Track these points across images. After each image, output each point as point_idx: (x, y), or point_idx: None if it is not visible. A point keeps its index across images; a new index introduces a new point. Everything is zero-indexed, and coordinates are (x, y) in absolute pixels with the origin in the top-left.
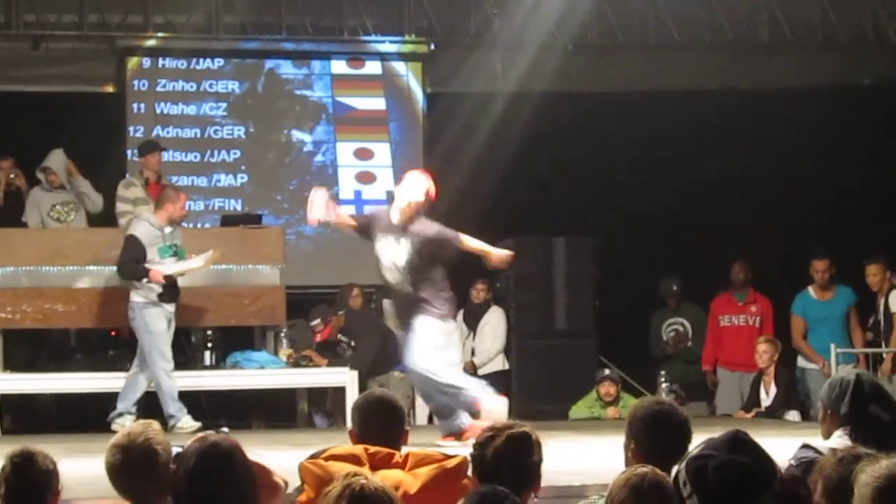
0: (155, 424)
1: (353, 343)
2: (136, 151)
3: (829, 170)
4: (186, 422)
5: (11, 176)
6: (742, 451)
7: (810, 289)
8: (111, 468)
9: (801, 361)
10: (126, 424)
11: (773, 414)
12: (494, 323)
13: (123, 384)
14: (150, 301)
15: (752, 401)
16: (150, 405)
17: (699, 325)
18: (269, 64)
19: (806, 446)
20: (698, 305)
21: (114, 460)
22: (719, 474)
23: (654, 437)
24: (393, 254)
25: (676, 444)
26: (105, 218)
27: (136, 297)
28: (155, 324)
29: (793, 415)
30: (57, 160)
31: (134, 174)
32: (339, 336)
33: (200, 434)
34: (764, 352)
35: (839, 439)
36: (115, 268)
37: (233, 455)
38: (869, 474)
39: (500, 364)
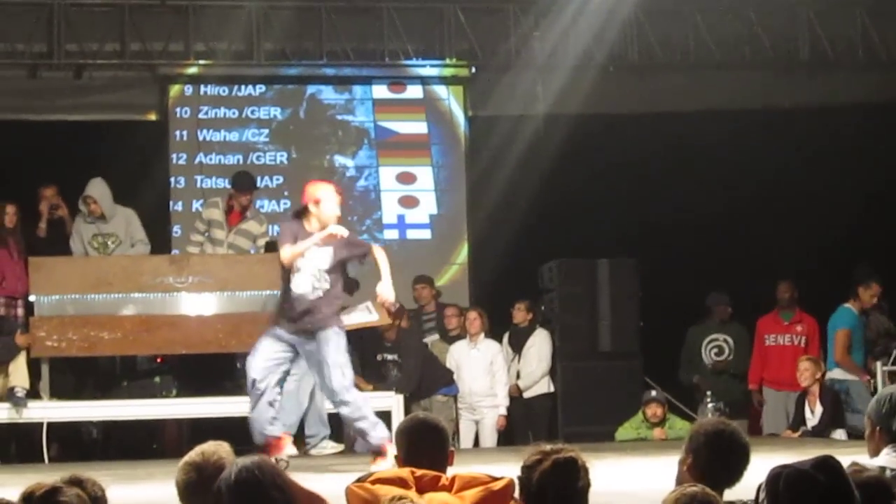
0: (226, 445)
1: (399, 362)
2: (231, 180)
3: (873, 187)
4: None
5: (54, 205)
6: (822, 470)
7: (851, 306)
8: (184, 486)
9: (837, 373)
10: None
11: (821, 433)
12: (539, 345)
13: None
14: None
15: (798, 420)
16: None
17: (741, 343)
18: (311, 89)
19: (855, 465)
20: (742, 324)
21: (187, 478)
22: (790, 485)
23: (713, 456)
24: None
25: (733, 465)
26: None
27: None
28: None
29: (839, 433)
30: (97, 189)
31: (222, 197)
32: (385, 356)
33: (240, 458)
34: (805, 370)
35: (888, 457)
36: (159, 295)
37: (273, 481)
38: None
39: (545, 387)
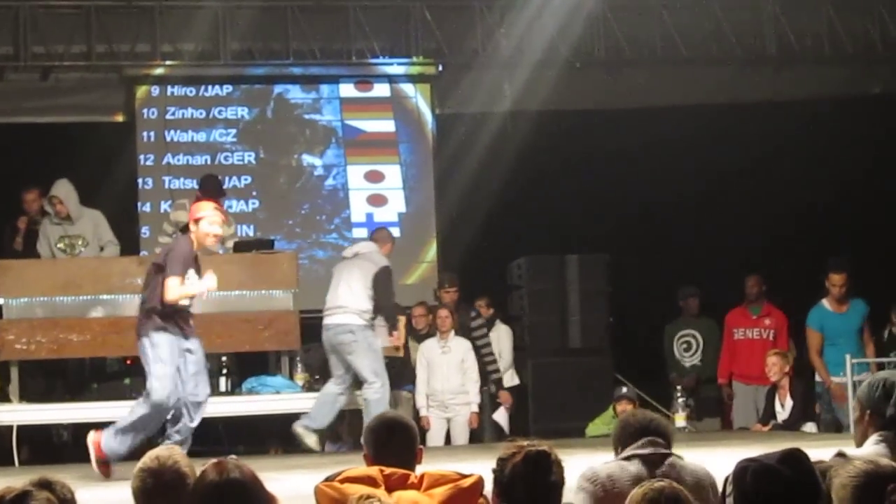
0: (178, 449)
1: None
2: (199, 183)
3: (840, 181)
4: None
5: (34, 220)
6: (789, 464)
7: (825, 302)
8: (141, 492)
9: (818, 376)
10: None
11: (791, 427)
12: (499, 340)
13: (318, 400)
14: (368, 324)
15: (768, 414)
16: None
17: (712, 339)
18: (278, 89)
19: (840, 454)
20: (712, 318)
21: (143, 485)
22: (757, 480)
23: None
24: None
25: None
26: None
27: (357, 320)
28: (376, 343)
29: (809, 426)
30: (62, 189)
31: (190, 199)
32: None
33: (216, 461)
34: (773, 364)
35: (875, 446)
36: (128, 296)
37: (252, 488)
38: (844, 475)
39: (510, 379)
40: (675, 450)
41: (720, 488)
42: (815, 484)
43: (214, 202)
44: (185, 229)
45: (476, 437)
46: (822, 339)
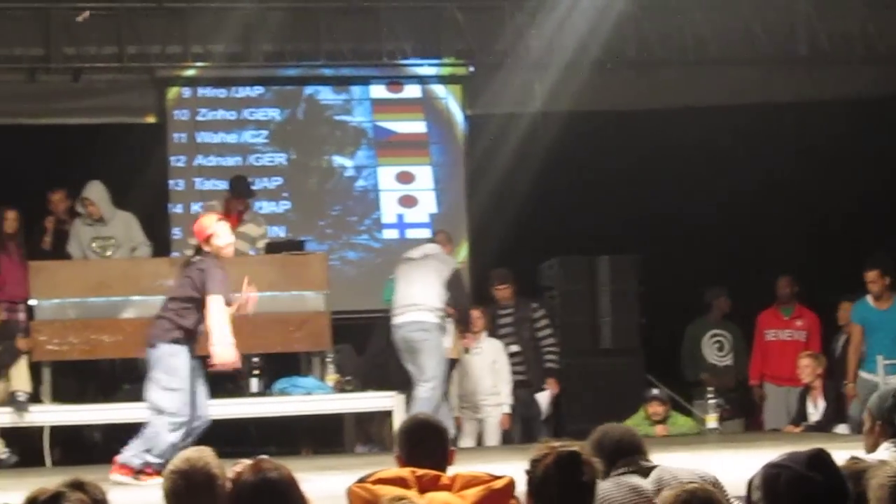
0: (209, 450)
1: None
2: (229, 184)
3: (873, 181)
4: None
5: (62, 220)
6: (819, 469)
7: (868, 297)
8: (172, 494)
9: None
10: None
11: (823, 428)
12: None
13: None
14: (441, 323)
15: (800, 415)
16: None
17: (739, 341)
18: (309, 90)
19: (854, 459)
20: (739, 321)
21: (174, 486)
22: (791, 488)
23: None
24: None
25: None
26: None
27: (431, 318)
28: (444, 344)
29: (842, 428)
30: (95, 191)
31: (220, 201)
32: None
33: (254, 460)
34: (805, 366)
35: (887, 451)
36: (160, 298)
37: (290, 488)
38: (882, 476)
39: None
40: (711, 451)
41: (728, 490)
42: (844, 486)
43: (242, 201)
44: (199, 251)
45: (508, 439)
46: (861, 333)
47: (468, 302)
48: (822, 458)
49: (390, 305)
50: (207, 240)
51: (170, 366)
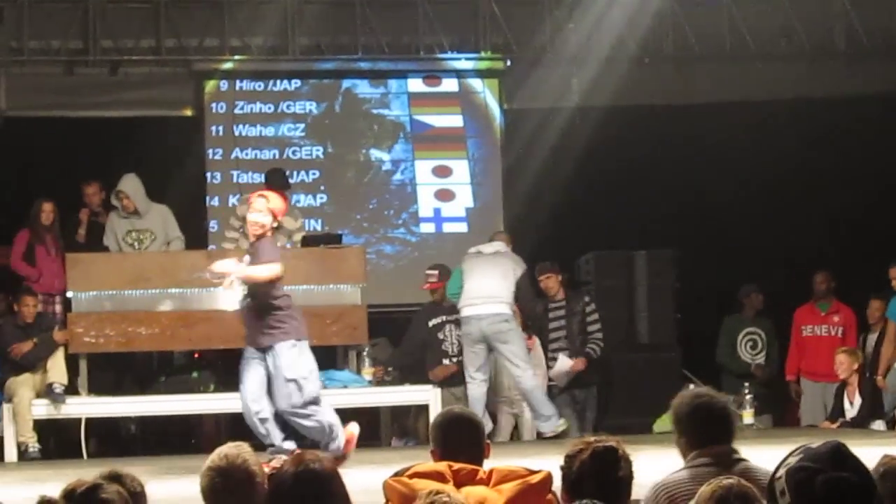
0: (246, 446)
1: None
2: (265, 177)
3: None
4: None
5: (95, 212)
6: (847, 466)
7: None
8: (210, 491)
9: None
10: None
11: (860, 424)
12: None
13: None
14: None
15: (837, 411)
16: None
17: (772, 338)
18: (346, 84)
19: (889, 457)
20: (779, 315)
21: (212, 484)
22: (830, 492)
23: (699, 428)
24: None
25: (722, 430)
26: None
27: (509, 310)
28: None
29: (878, 424)
30: (130, 184)
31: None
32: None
33: (297, 452)
34: (841, 363)
35: None
36: (196, 290)
37: (331, 480)
38: None
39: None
40: (749, 447)
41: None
42: (871, 479)
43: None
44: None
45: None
46: None
47: (535, 304)
48: (844, 453)
49: (458, 295)
50: (276, 217)
51: None
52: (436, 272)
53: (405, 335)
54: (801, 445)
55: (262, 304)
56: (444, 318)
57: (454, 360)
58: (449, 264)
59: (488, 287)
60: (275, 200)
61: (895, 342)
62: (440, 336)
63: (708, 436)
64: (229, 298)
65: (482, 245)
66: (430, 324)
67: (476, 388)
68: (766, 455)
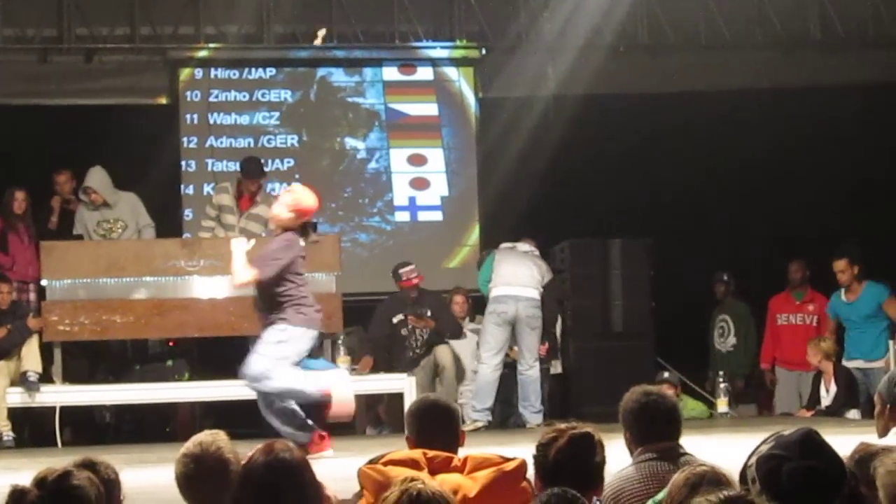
0: (222, 434)
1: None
2: (240, 166)
3: (885, 166)
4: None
5: (67, 199)
6: (815, 454)
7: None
8: (183, 478)
9: (861, 362)
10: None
11: (835, 413)
12: None
13: (484, 388)
14: None
15: (813, 399)
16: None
17: (742, 322)
18: (321, 72)
19: (864, 444)
20: (755, 305)
21: (186, 470)
22: (794, 480)
23: (646, 426)
24: None
25: (668, 429)
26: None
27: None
28: None
29: (853, 413)
30: (96, 178)
31: (232, 182)
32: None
33: (266, 443)
34: (813, 354)
35: None
36: (171, 278)
37: (301, 469)
38: (890, 462)
39: (554, 368)
40: (722, 435)
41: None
42: (840, 466)
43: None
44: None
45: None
46: (836, 327)
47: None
48: (814, 440)
49: (487, 283)
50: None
51: None
52: (413, 266)
53: (368, 328)
54: (774, 433)
55: (260, 293)
56: (406, 314)
57: (418, 352)
58: (423, 253)
59: (524, 275)
60: (302, 198)
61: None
62: (403, 332)
63: (654, 433)
64: (203, 287)
65: (513, 242)
66: (394, 320)
67: (490, 373)
68: (739, 444)
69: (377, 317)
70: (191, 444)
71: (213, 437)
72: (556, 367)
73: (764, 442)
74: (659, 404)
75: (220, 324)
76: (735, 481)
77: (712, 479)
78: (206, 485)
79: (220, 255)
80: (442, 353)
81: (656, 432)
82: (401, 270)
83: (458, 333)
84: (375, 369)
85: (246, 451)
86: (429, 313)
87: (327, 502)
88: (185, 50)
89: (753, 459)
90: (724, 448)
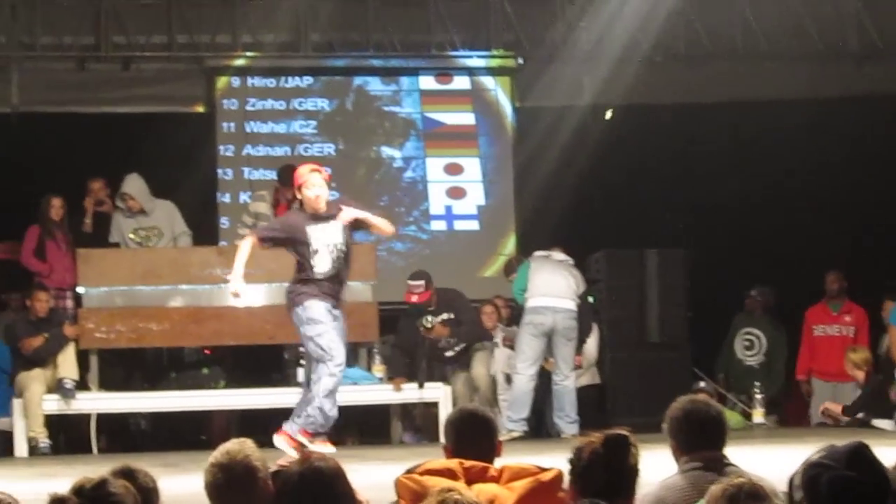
0: (250, 442)
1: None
2: (277, 174)
3: None
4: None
5: (99, 201)
6: (859, 467)
7: None
8: (212, 487)
9: None
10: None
11: (852, 413)
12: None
13: (519, 398)
14: None
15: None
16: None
17: (775, 339)
18: (358, 81)
19: None
20: (791, 315)
21: (215, 480)
22: (832, 489)
23: (692, 434)
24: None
25: (714, 437)
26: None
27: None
28: None
29: (884, 423)
30: (133, 185)
31: (269, 190)
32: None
33: (303, 451)
34: (848, 362)
35: None
36: (207, 286)
37: (336, 479)
38: None
39: (592, 378)
40: (759, 446)
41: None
42: (886, 481)
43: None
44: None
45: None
46: None
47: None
48: (861, 454)
49: (523, 292)
50: (300, 188)
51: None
52: (422, 282)
53: (395, 337)
54: (829, 444)
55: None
56: (419, 324)
57: (456, 350)
58: (459, 262)
59: (561, 285)
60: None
61: None
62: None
63: (700, 442)
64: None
65: (549, 252)
66: (420, 328)
67: (526, 384)
68: (777, 455)
69: (402, 325)
70: (218, 454)
71: (240, 446)
72: (594, 378)
73: (817, 452)
74: (704, 412)
75: (255, 332)
76: (773, 494)
77: (750, 492)
78: (235, 493)
79: (257, 263)
80: (478, 361)
81: (702, 440)
82: (408, 281)
83: (477, 341)
84: (408, 376)
85: (275, 459)
86: (445, 317)
87: None
88: (222, 58)
89: (801, 468)
90: (764, 458)
